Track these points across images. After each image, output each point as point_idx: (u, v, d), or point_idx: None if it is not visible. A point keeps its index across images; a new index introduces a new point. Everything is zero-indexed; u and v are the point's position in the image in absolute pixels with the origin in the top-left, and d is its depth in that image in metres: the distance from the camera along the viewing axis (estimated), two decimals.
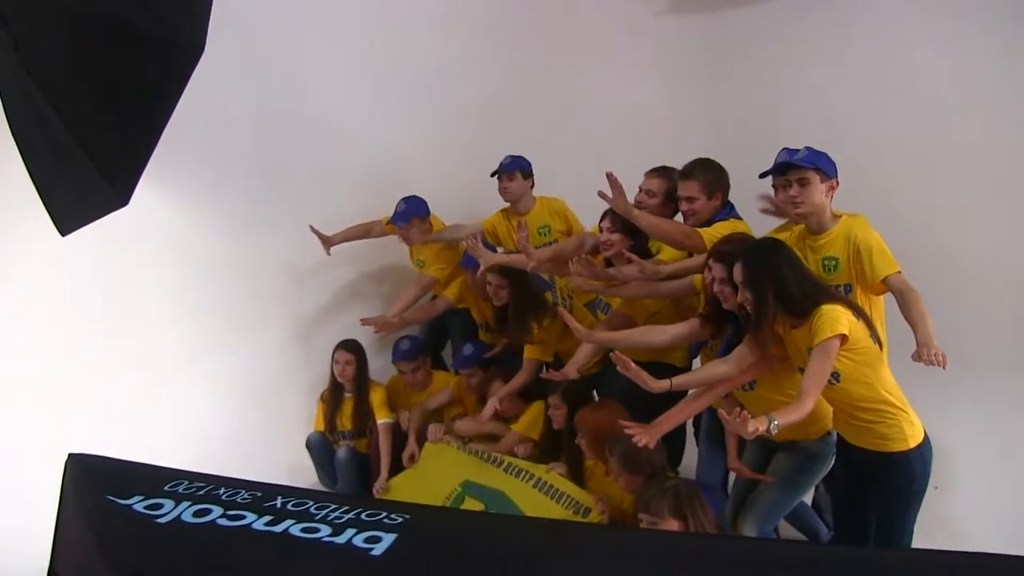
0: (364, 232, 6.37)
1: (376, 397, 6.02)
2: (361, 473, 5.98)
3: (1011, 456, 4.81)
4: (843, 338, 3.65)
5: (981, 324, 5.08)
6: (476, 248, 5.31)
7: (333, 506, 3.07)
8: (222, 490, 3.22)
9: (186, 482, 3.27)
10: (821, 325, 3.66)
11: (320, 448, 6.07)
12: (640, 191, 4.96)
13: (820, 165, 4.11)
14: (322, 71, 6.16)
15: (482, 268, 5.41)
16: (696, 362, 5.00)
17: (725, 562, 2.80)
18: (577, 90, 6.36)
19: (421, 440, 5.82)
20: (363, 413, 6.02)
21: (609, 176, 4.41)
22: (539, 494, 5.08)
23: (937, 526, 4.27)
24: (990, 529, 4.40)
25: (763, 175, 4.44)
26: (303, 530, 2.97)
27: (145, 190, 4.21)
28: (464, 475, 5.48)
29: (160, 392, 5.59)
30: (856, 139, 4.27)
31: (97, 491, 3.14)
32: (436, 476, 5.63)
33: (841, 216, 4.16)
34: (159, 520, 3.04)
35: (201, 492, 3.21)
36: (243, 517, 3.05)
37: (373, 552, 2.82)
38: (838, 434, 4.18)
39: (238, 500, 3.16)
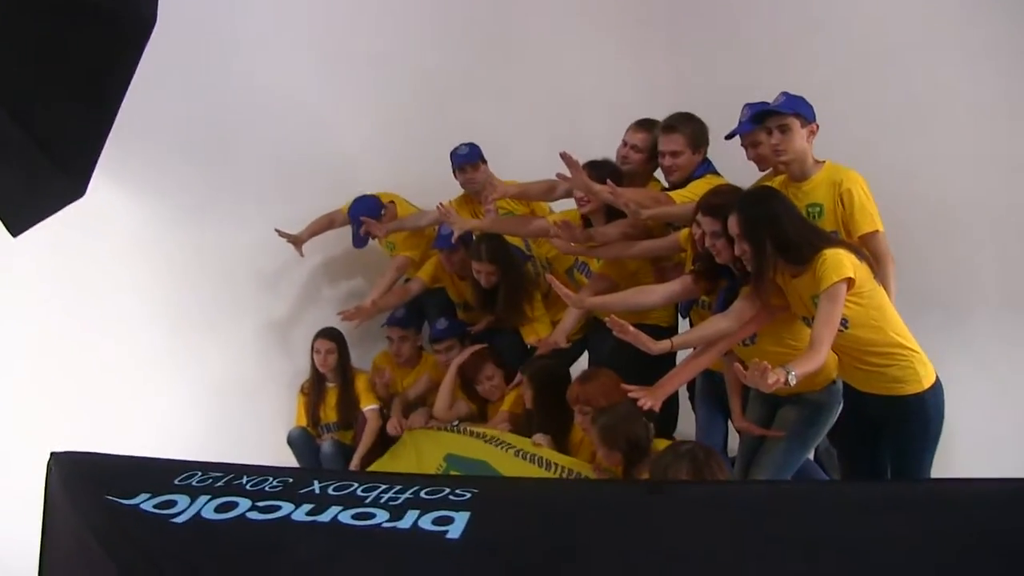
0: (328, 223, 5.56)
1: (360, 383, 5.17)
2: (348, 463, 5.09)
3: (1005, 394, 4.28)
4: (850, 282, 3.23)
5: (968, 268, 4.53)
6: (449, 214, 4.72)
7: (383, 486, 2.26)
8: (244, 479, 2.37)
9: (199, 473, 2.41)
10: (826, 270, 3.23)
11: (303, 443, 5.22)
12: (624, 145, 4.29)
13: (799, 110, 3.69)
14: (273, 63, 5.29)
15: (456, 233, 4.74)
16: (683, 324, 4.43)
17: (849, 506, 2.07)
18: (536, 63, 5.63)
19: None
20: (349, 402, 5.22)
21: (564, 156, 3.92)
22: (524, 463, 4.36)
23: (936, 469, 3.73)
24: (988, 470, 3.76)
25: (731, 134, 4.04)
26: (355, 516, 2.14)
27: (100, 183, 3.55)
28: (446, 449, 4.77)
29: (132, 392, 4.71)
30: (830, 91, 3.65)
31: (94, 491, 2.26)
32: (419, 456, 4.92)
33: (823, 162, 3.75)
34: (176, 520, 2.18)
35: (220, 483, 2.35)
36: (278, 508, 2.20)
37: (449, 535, 2.00)
38: (845, 383, 3.73)
39: (266, 489, 2.31)
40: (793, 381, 3.13)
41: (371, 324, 5.44)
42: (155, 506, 2.25)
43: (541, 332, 4.70)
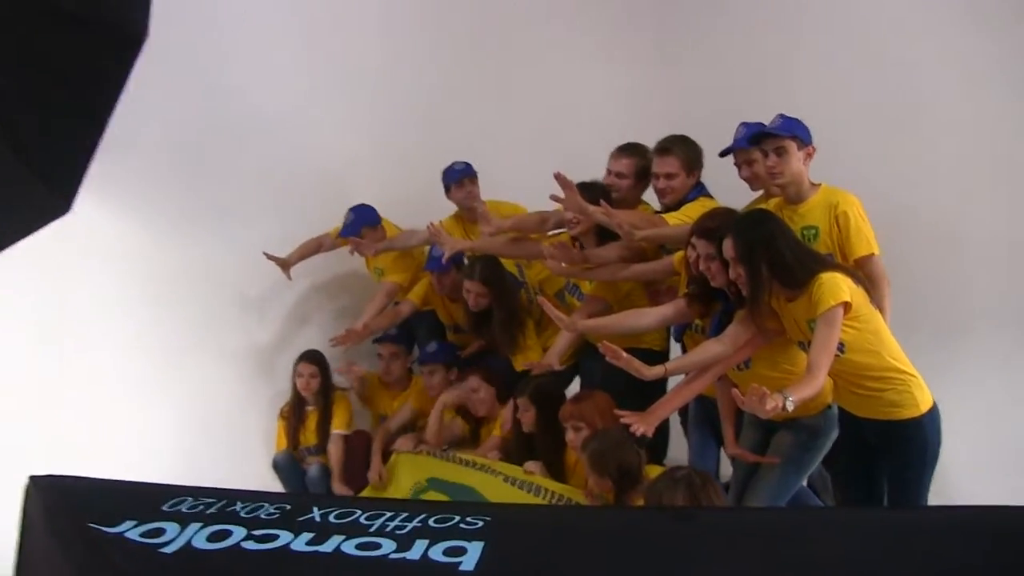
0: (316, 247, 5.29)
1: (339, 408, 4.89)
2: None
3: (996, 415, 4.12)
4: (846, 306, 3.06)
5: (959, 288, 4.38)
6: (439, 234, 4.49)
7: (388, 514, 2.03)
8: (238, 505, 2.13)
9: (189, 499, 2.17)
10: (823, 294, 3.06)
11: (288, 468, 4.93)
12: (609, 174, 4.09)
13: (796, 132, 3.52)
14: (261, 78, 5.06)
15: (447, 254, 4.52)
16: (676, 348, 4.19)
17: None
18: (526, 79, 5.42)
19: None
20: (329, 426, 4.88)
21: (558, 176, 3.71)
22: (513, 488, 4.13)
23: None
24: (979, 491, 3.63)
25: (726, 151, 3.87)
26: (360, 547, 1.92)
27: (84, 199, 3.30)
28: (431, 472, 4.52)
29: (113, 412, 4.40)
30: (819, 107, 3.52)
31: (75, 518, 2.00)
32: (402, 477, 4.65)
33: (819, 185, 3.58)
34: (165, 550, 1.93)
35: (212, 510, 2.11)
36: (275, 537, 1.97)
37: (463, 567, 1.77)
38: (841, 407, 3.52)
39: (262, 516, 2.08)
40: (791, 407, 2.95)
41: (358, 346, 5.16)
42: (142, 535, 2.01)
43: (532, 359, 4.48)
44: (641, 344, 4.13)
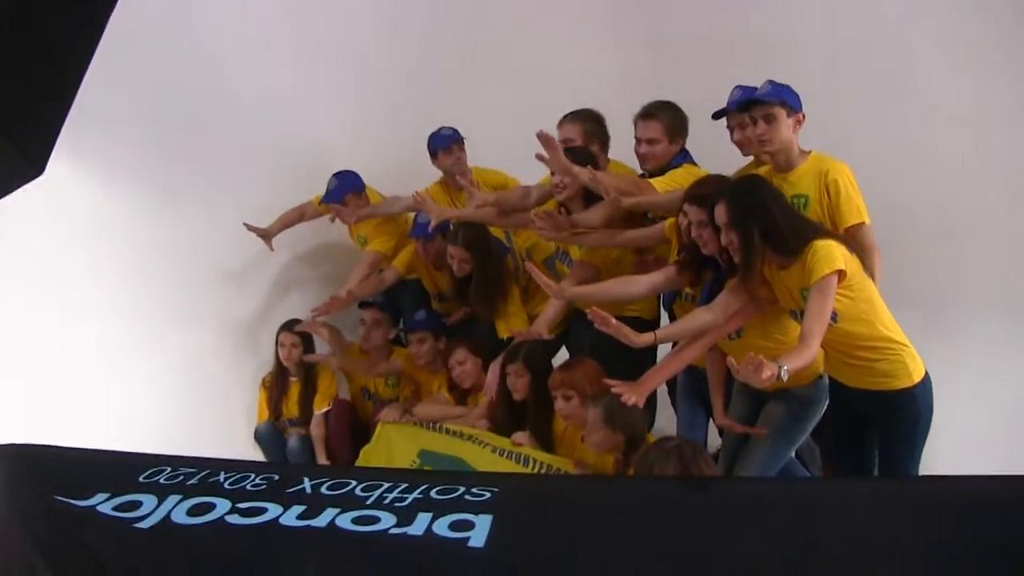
0: (299, 216, 4.99)
1: (323, 381, 4.63)
2: (314, 460, 4.57)
3: (983, 392, 3.94)
4: (841, 274, 2.87)
5: (947, 266, 4.22)
6: (425, 202, 4.24)
7: (385, 485, 1.79)
8: (222, 475, 1.88)
9: (168, 469, 1.91)
10: (817, 262, 2.87)
11: (270, 438, 4.68)
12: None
13: (785, 99, 3.30)
14: (242, 50, 4.75)
15: (433, 222, 4.28)
16: (664, 317, 3.99)
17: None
18: (511, 53, 5.14)
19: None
20: (311, 398, 4.64)
21: (541, 136, 3.46)
22: (502, 459, 3.94)
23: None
24: (965, 467, 3.46)
25: (719, 114, 3.65)
26: (356, 520, 1.68)
27: (62, 167, 3.15)
28: (420, 444, 4.28)
29: (92, 383, 4.09)
30: (809, 88, 3.27)
31: (42, 490, 1.72)
32: (391, 451, 4.37)
33: (809, 152, 3.36)
34: (140, 525, 1.67)
35: (193, 481, 1.86)
36: (263, 510, 1.73)
37: (471, 542, 1.54)
38: (831, 378, 3.34)
39: (248, 488, 1.83)
40: (785, 376, 2.74)
41: (341, 316, 4.90)
42: (115, 508, 1.76)
43: (515, 326, 4.25)
44: (629, 312, 3.92)
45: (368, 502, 1.72)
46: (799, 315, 3.07)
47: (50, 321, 3.94)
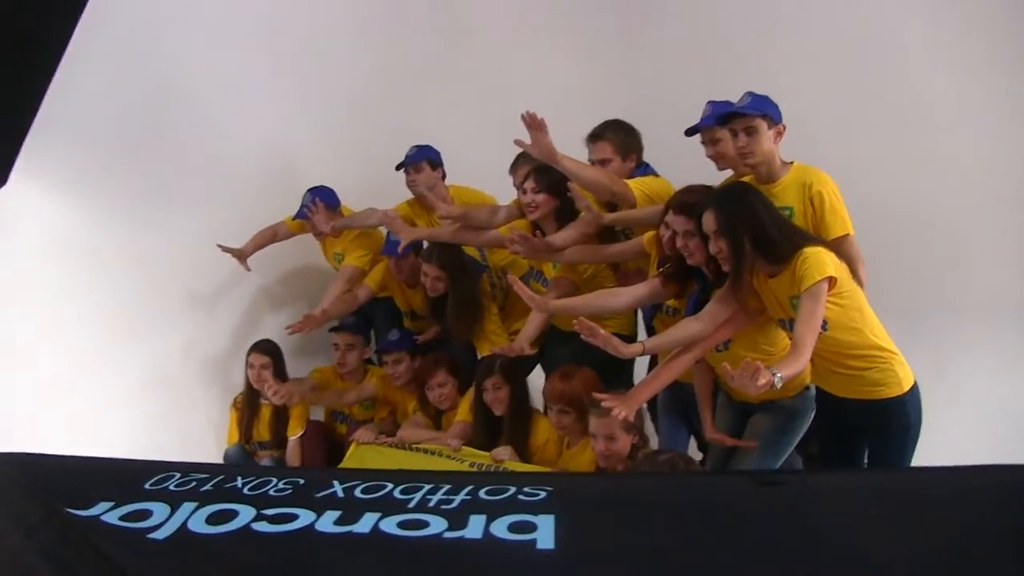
0: (271, 236, 4.68)
1: (297, 406, 4.30)
2: None
3: (959, 396, 3.83)
4: (831, 281, 2.73)
5: (923, 269, 4.09)
6: (394, 222, 4.01)
7: (426, 486, 1.54)
8: (239, 480, 1.60)
9: (177, 475, 1.63)
10: (808, 269, 2.73)
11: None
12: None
13: (766, 111, 3.14)
14: (210, 62, 4.49)
15: (403, 243, 4.01)
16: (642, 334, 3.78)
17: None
18: (485, 63, 4.92)
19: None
20: (282, 421, 4.32)
21: (527, 116, 3.22)
22: (480, 473, 3.63)
23: None
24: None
25: (692, 131, 3.45)
26: (403, 525, 1.42)
27: (25, 181, 3.14)
28: (396, 465, 3.90)
29: (54, 407, 3.69)
30: (785, 93, 3.16)
31: (41, 500, 1.41)
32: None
33: (791, 163, 3.21)
34: (154, 535, 1.38)
35: (207, 488, 1.58)
36: (293, 517, 1.46)
37: (540, 545, 1.29)
38: (819, 388, 3.18)
39: (271, 493, 1.56)
40: (779, 384, 2.59)
41: (311, 335, 4.59)
42: (122, 517, 1.47)
43: (498, 345, 4.01)
44: (606, 327, 3.71)
45: (411, 505, 1.47)
46: (788, 324, 2.94)
47: (11, 338, 3.57)
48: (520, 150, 3.46)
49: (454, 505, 1.49)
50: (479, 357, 4.21)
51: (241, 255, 4.44)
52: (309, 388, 4.28)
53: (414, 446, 4.02)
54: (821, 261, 2.76)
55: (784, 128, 3.21)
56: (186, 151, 4.41)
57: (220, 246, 4.36)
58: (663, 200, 3.42)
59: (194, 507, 1.50)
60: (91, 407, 3.76)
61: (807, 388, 3.28)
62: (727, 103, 3.32)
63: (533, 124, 3.33)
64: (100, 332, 3.93)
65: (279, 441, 4.33)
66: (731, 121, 3.22)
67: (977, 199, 4.05)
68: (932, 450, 3.29)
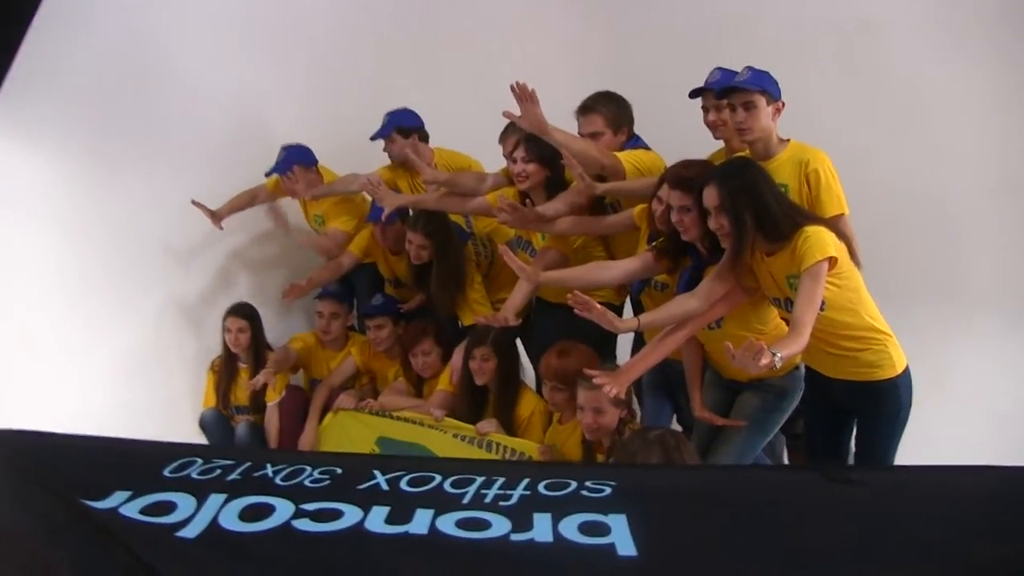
0: (250, 199, 4.37)
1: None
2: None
3: (942, 384, 3.75)
4: (832, 261, 2.62)
5: (908, 257, 3.99)
6: (378, 190, 3.74)
7: (478, 479, 1.34)
8: (269, 468, 1.38)
9: (199, 461, 1.39)
10: (809, 248, 2.61)
11: (216, 426, 4.05)
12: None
13: (765, 86, 2.99)
14: (189, 24, 4.15)
15: (387, 211, 3.75)
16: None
17: None
18: (471, 34, 4.63)
19: None
20: (261, 386, 4.03)
21: (517, 87, 3.02)
22: (464, 444, 3.57)
23: None
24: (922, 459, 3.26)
25: (696, 92, 3.28)
26: (462, 525, 1.22)
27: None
28: (378, 432, 3.80)
29: (29, 368, 3.36)
30: (779, 68, 3.01)
31: (66, 495, 1.15)
32: (348, 441, 3.86)
33: (788, 141, 3.07)
34: (182, 533, 1.15)
35: (234, 476, 1.35)
36: (337, 514, 1.25)
37: (622, 552, 1.11)
38: (810, 368, 3.04)
39: (308, 484, 1.34)
40: (779, 364, 2.47)
41: (291, 304, 4.34)
42: (143, 510, 1.24)
43: (481, 314, 3.81)
44: (597, 296, 3.56)
45: (465, 501, 1.27)
46: (782, 303, 2.82)
47: None
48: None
49: (513, 502, 1.29)
50: (460, 326, 4.02)
51: (215, 216, 4.15)
52: (290, 366, 4.03)
53: (395, 415, 3.84)
54: (823, 241, 2.63)
55: (783, 105, 3.06)
56: (157, 109, 4.06)
57: (194, 202, 4.06)
58: (654, 173, 3.27)
59: (223, 500, 1.27)
60: (63, 370, 3.45)
61: (797, 368, 3.16)
62: (736, 73, 3.13)
63: (523, 95, 3.14)
64: (71, 294, 3.61)
65: (257, 406, 4.09)
66: (729, 95, 3.07)
67: (970, 185, 3.95)
68: (913, 435, 3.21)
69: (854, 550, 1.17)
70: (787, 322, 2.85)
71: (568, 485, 1.34)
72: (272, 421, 4.02)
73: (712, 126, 3.39)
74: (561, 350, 3.38)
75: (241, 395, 4.07)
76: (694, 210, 2.90)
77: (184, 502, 1.27)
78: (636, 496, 1.32)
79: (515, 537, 1.20)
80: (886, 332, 2.89)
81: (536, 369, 3.74)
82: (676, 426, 3.59)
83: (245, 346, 4.05)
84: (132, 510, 1.23)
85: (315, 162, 4.17)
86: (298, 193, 4.06)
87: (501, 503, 1.29)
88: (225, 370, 4.07)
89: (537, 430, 3.64)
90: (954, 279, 4.00)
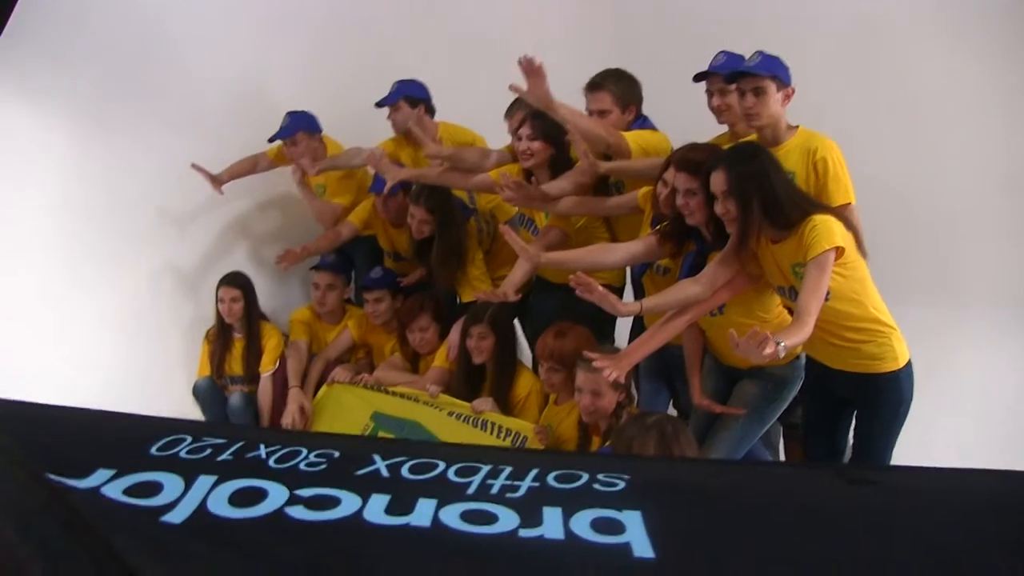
0: (251, 166, 4.25)
1: (270, 341, 3.95)
2: (259, 422, 3.89)
3: (934, 379, 3.64)
4: (839, 251, 2.54)
5: (901, 252, 3.89)
6: (382, 162, 3.66)
7: (484, 467, 1.24)
8: (262, 449, 1.27)
9: (188, 439, 1.28)
10: (816, 237, 2.53)
11: (209, 395, 3.94)
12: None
13: (776, 72, 2.92)
14: None
15: (389, 184, 3.68)
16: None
17: None
18: (475, 6, 4.48)
19: None
20: (255, 356, 3.97)
21: (524, 61, 2.91)
22: (459, 423, 3.51)
23: None
24: (909, 456, 3.18)
25: (700, 76, 3.21)
26: (467, 518, 1.12)
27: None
28: (373, 407, 3.73)
29: (21, 330, 3.25)
30: (781, 48, 2.89)
31: (32, 464, 1.05)
32: (343, 415, 3.80)
33: (797, 128, 3.00)
34: (167, 518, 1.05)
35: (226, 456, 1.24)
36: (334, 501, 1.14)
37: (638, 552, 1.02)
38: (811, 358, 2.97)
39: (303, 468, 1.24)
40: (783, 353, 2.41)
41: (288, 272, 4.22)
42: (127, 491, 1.14)
43: (479, 290, 3.71)
44: (599, 279, 3.47)
45: (470, 491, 1.17)
46: (786, 292, 2.73)
47: None
48: (516, 95, 3.14)
49: (521, 493, 1.19)
50: (459, 302, 3.92)
51: (216, 181, 4.03)
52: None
53: (391, 390, 3.75)
54: (830, 230, 2.55)
55: (793, 91, 2.97)
56: (161, 76, 3.97)
57: (194, 166, 3.94)
58: (659, 155, 3.18)
59: (213, 481, 1.17)
60: (57, 335, 3.35)
61: (797, 357, 3.08)
62: (742, 57, 3.07)
63: (530, 70, 3.03)
64: (67, 258, 3.51)
65: (251, 376, 3.98)
66: (739, 80, 2.98)
67: (966, 181, 3.85)
68: (905, 429, 3.13)
69: (880, 564, 1.08)
70: (791, 311, 2.77)
71: (579, 477, 1.24)
72: (266, 392, 3.91)
73: (717, 111, 3.31)
74: (559, 330, 3.29)
75: (235, 365, 3.97)
76: (700, 194, 2.83)
77: (171, 483, 1.16)
78: (651, 492, 1.22)
79: (524, 533, 1.10)
80: (890, 325, 2.82)
81: (532, 349, 3.65)
82: (672, 411, 3.50)
83: (238, 316, 3.95)
84: (115, 490, 1.13)
85: (320, 130, 4.05)
86: (303, 167, 3.93)
87: (508, 495, 1.18)
88: (219, 340, 3.97)
89: (534, 410, 3.56)
90: (946, 275, 3.91)
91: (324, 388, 3.88)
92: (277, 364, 3.97)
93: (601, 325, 3.38)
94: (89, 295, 3.62)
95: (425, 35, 4.44)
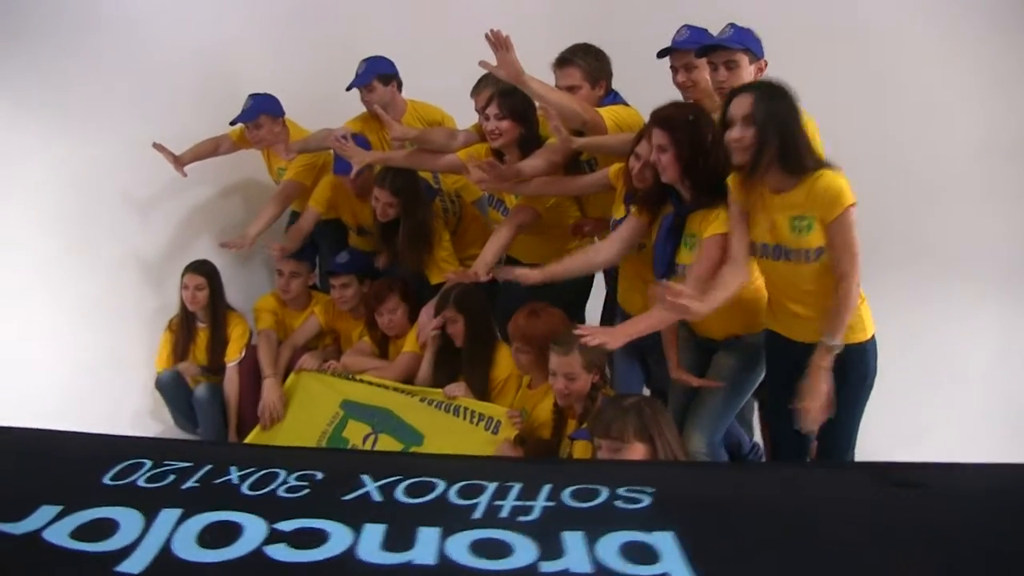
0: (213, 148, 3.91)
1: (235, 330, 3.67)
2: (225, 413, 3.62)
3: (912, 348, 3.54)
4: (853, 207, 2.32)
5: (879, 220, 3.72)
6: (347, 147, 3.37)
7: (489, 486, 1.02)
8: (233, 473, 1.04)
9: (148, 463, 1.02)
10: (835, 196, 2.32)
11: (173, 387, 3.63)
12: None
13: (748, 45, 2.74)
14: None
15: (355, 168, 3.39)
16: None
17: None
18: None
19: None
20: (220, 346, 3.65)
21: (491, 34, 2.66)
22: (432, 408, 3.24)
23: None
24: (889, 423, 3.07)
25: (664, 52, 2.96)
26: (477, 550, 0.90)
27: None
28: (342, 395, 3.44)
29: None
30: (757, 29, 2.71)
31: None
32: (311, 403, 3.51)
33: None
34: (123, 568, 0.81)
35: (191, 484, 1.00)
36: (322, 536, 0.91)
37: None
38: (772, 332, 2.69)
39: (281, 494, 1.01)
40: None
41: (252, 254, 3.93)
42: (75, 533, 0.88)
43: (447, 271, 3.49)
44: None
45: (477, 516, 0.96)
46: (769, 250, 2.53)
47: None
48: (484, 72, 2.90)
49: (536, 516, 0.98)
50: (430, 284, 3.69)
51: (178, 161, 3.71)
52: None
53: (359, 377, 3.52)
54: (844, 189, 2.34)
55: (766, 64, 2.76)
56: (119, 59, 3.59)
57: (156, 145, 3.62)
58: (633, 130, 2.97)
59: (178, 516, 0.93)
60: (18, 327, 3.04)
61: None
62: (705, 30, 2.87)
63: (499, 43, 2.78)
64: (25, 248, 3.18)
65: (216, 366, 3.70)
66: (711, 53, 2.78)
67: (946, 149, 3.72)
68: (880, 399, 2.99)
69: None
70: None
71: (598, 493, 1.03)
72: (232, 382, 3.63)
73: (682, 87, 3.10)
74: (531, 311, 3.07)
75: (200, 355, 3.68)
76: (671, 150, 2.62)
77: (128, 520, 0.92)
78: (679, 509, 1.02)
79: (546, 567, 0.90)
80: (862, 295, 2.66)
81: (502, 330, 3.45)
82: (645, 391, 3.33)
83: (203, 304, 3.64)
84: (60, 533, 0.89)
85: (282, 113, 3.75)
86: (280, 154, 3.67)
87: (521, 518, 0.97)
88: (183, 329, 3.67)
89: (510, 394, 3.34)
90: (925, 243, 3.78)
91: (292, 375, 3.62)
92: (243, 353, 3.69)
93: (572, 306, 3.19)
94: (49, 284, 3.30)
95: (391, 14, 4.14)
